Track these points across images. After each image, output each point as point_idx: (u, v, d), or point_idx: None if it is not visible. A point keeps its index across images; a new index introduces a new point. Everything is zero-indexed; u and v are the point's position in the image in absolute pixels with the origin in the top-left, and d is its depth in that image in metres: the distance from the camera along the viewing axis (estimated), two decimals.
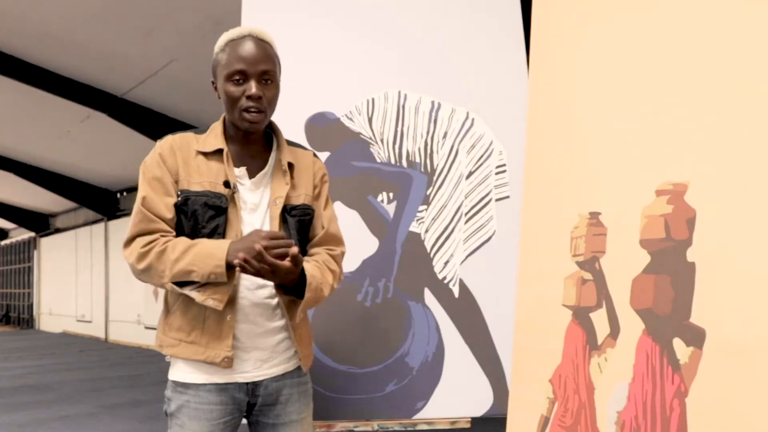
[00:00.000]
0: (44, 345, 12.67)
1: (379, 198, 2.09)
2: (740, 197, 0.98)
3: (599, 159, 1.32)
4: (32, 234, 18.09)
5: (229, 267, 1.37)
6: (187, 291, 1.40)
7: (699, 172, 1.06)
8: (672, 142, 1.13)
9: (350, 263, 2.03)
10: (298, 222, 1.53)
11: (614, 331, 1.22)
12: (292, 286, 1.45)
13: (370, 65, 2.18)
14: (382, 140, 2.12)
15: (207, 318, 1.43)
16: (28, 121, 9.47)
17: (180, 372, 1.48)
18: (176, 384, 1.48)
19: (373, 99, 2.15)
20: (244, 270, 1.35)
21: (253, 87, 1.43)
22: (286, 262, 1.35)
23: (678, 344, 1.06)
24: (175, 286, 1.40)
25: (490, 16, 2.23)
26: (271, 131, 1.59)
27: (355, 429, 1.94)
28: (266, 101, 1.46)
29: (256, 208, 1.50)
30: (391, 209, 2.08)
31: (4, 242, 21.19)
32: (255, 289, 1.47)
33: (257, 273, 1.36)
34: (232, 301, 1.44)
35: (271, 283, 1.46)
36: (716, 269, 1.00)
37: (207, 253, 1.37)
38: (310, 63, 2.17)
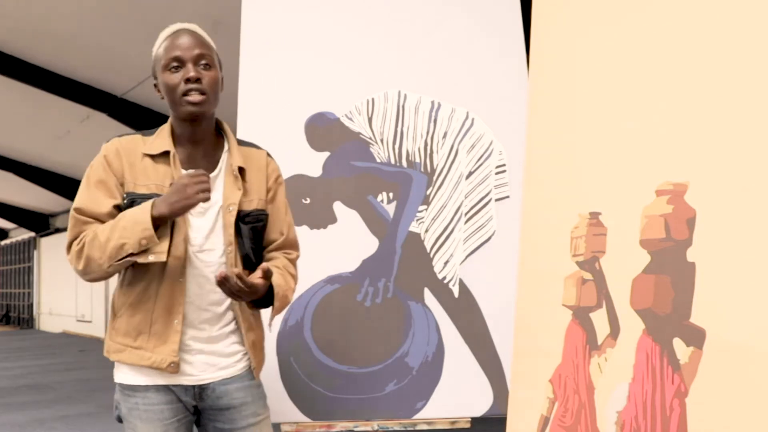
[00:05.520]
0: (44, 345, 12.66)
1: (379, 198, 2.09)
2: (740, 197, 0.98)
3: (599, 159, 1.32)
4: (32, 234, 18.08)
5: (156, 226, 1.36)
6: (130, 259, 1.38)
7: (699, 172, 1.06)
8: (672, 142, 1.13)
9: (350, 263, 2.04)
10: (252, 229, 1.51)
11: (614, 331, 1.22)
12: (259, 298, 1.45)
13: (370, 65, 2.18)
14: (382, 140, 2.12)
15: (154, 322, 1.42)
16: (28, 121, 9.47)
17: (124, 375, 1.47)
18: (123, 387, 1.47)
19: (373, 99, 2.15)
20: (221, 287, 1.36)
21: (191, 70, 1.42)
22: (261, 280, 1.36)
23: (678, 344, 1.06)
24: (118, 263, 1.38)
25: (490, 16, 2.23)
26: (222, 133, 1.56)
27: (355, 429, 1.94)
28: (206, 84, 1.44)
29: (205, 211, 1.47)
30: (391, 209, 2.08)
31: (4, 242, 21.18)
32: (201, 295, 1.46)
33: (233, 294, 1.37)
34: (179, 307, 1.43)
35: (219, 290, 1.42)
36: (716, 269, 1.00)
37: (132, 222, 1.35)
38: (310, 63, 2.17)
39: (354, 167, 2.11)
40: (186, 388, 1.46)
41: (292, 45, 2.17)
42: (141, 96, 7.90)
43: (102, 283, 13.53)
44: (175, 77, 1.43)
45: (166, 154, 1.46)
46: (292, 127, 2.07)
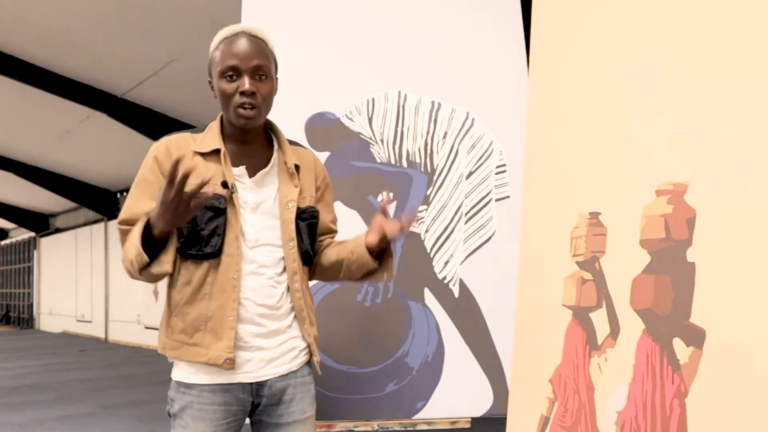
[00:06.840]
0: (44, 345, 12.66)
1: (379, 198, 2.09)
2: (740, 197, 0.98)
3: (599, 159, 1.32)
4: (32, 234, 18.08)
5: (150, 240, 1.34)
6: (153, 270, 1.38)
7: (699, 172, 1.06)
8: (672, 142, 1.13)
9: None
10: (308, 225, 1.55)
11: (614, 331, 1.22)
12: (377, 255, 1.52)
13: (371, 65, 2.18)
14: (382, 140, 2.12)
15: (209, 319, 1.43)
16: (28, 121, 9.47)
17: (183, 372, 1.47)
18: (179, 384, 1.47)
19: (373, 99, 2.15)
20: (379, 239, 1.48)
21: (246, 83, 1.42)
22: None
23: (678, 344, 1.06)
24: (146, 275, 1.39)
25: (490, 16, 2.23)
26: (270, 130, 1.58)
27: (355, 429, 1.94)
28: (260, 97, 1.45)
29: (258, 207, 1.49)
30: (391, 209, 2.08)
31: (4, 242, 21.18)
32: (257, 290, 1.46)
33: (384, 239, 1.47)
34: (234, 303, 1.43)
35: (274, 284, 1.47)
36: (716, 269, 1.00)
37: (131, 244, 1.36)
38: (311, 63, 2.17)
39: (354, 167, 2.11)
40: (244, 386, 1.46)
41: (292, 45, 2.17)
42: (141, 96, 7.91)
43: (102, 284, 13.60)
44: (231, 87, 1.43)
45: (216, 152, 1.47)
46: (292, 127, 2.07)
